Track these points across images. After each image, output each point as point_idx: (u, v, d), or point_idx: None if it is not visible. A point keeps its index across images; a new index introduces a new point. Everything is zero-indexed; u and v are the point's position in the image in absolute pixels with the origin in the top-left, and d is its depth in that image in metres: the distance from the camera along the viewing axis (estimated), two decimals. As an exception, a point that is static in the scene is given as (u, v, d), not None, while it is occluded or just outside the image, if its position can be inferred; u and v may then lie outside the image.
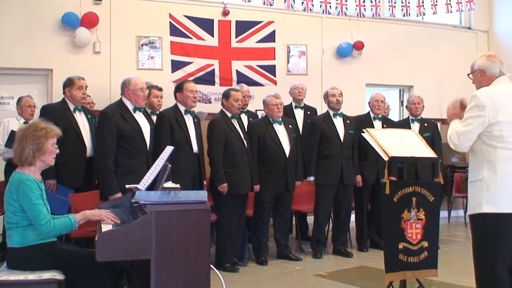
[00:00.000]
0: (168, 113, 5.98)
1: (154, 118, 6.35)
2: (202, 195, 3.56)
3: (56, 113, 5.79)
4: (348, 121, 7.09)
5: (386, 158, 4.56)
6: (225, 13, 8.91)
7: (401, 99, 10.53)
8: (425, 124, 7.58)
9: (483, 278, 3.86)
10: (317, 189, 7.02)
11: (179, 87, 6.10)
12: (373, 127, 6.99)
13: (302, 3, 8.79)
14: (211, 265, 3.58)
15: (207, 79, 8.62)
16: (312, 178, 6.98)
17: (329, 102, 7.08)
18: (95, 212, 3.85)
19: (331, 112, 7.07)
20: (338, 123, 7.02)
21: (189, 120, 6.03)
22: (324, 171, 6.92)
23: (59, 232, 3.73)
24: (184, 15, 8.56)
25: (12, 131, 5.88)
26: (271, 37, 9.00)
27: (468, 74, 4.07)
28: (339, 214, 7.10)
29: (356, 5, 9.21)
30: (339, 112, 7.07)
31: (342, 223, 7.11)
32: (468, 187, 3.97)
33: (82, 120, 5.97)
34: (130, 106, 5.41)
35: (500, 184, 3.73)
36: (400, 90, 10.64)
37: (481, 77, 3.96)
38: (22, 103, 6.73)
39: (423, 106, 7.66)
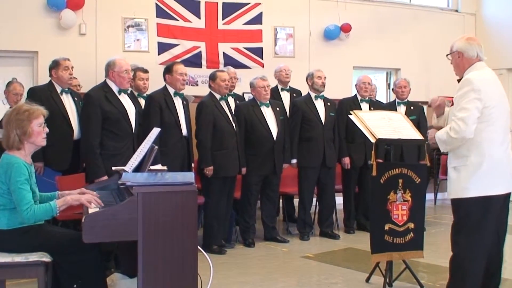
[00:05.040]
0: (158, 96, 5.93)
1: (140, 100, 6.34)
2: (189, 176, 3.56)
3: (43, 95, 5.72)
4: (328, 103, 7.08)
5: (373, 140, 4.59)
6: (212, -6, 8.85)
7: (388, 82, 10.54)
8: (411, 107, 7.58)
9: (460, 258, 3.87)
10: (300, 172, 7.04)
11: (168, 69, 6.04)
12: (361, 110, 6.98)
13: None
14: (199, 247, 3.59)
15: (194, 61, 8.59)
16: (294, 161, 6.99)
17: (313, 83, 7.02)
18: (75, 197, 3.81)
19: (313, 94, 7.04)
20: (319, 105, 7.00)
21: (178, 103, 5.99)
22: (306, 154, 6.93)
23: (39, 218, 3.68)
24: (171, -3, 8.52)
25: None
26: (258, 19, 8.97)
27: (446, 55, 4.12)
28: (322, 197, 7.14)
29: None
30: (321, 94, 7.06)
31: (327, 205, 7.14)
32: (449, 171, 3.96)
33: (69, 103, 5.91)
34: (115, 88, 5.38)
35: (486, 168, 3.76)
36: (387, 73, 10.65)
37: (459, 59, 4.00)
38: (10, 88, 6.59)
39: (410, 89, 7.66)
